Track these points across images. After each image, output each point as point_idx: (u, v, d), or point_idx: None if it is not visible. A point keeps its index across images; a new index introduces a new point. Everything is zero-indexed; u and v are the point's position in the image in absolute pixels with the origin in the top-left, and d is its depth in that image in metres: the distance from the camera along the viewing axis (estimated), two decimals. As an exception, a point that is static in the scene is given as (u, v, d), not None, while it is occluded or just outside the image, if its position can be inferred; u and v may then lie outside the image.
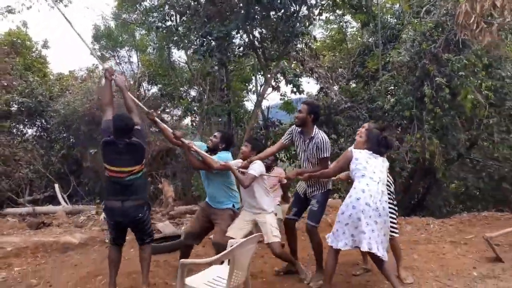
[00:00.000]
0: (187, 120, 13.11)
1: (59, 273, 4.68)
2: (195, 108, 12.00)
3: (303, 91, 11.91)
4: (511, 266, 4.12)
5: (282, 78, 12.05)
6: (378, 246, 3.26)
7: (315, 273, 4.00)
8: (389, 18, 11.38)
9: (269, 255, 4.58)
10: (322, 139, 3.77)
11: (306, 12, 8.09)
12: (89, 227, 6.37)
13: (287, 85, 11.97)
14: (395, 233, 3.89)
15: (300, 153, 3.96)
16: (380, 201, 3.34)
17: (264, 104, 11.20)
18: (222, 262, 3.44)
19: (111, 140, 3.49)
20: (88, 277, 4.50)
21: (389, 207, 3.59)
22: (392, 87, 9.52)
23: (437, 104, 6.83)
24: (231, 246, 3.14)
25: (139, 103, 4.24)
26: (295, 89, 11.80)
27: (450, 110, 6.90)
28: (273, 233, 3.84)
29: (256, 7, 7.17)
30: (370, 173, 3.41)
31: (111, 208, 3.58)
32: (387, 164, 3.65)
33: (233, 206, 4.05)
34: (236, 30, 7.41)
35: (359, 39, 12.56)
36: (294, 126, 3.99)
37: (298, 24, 7.66)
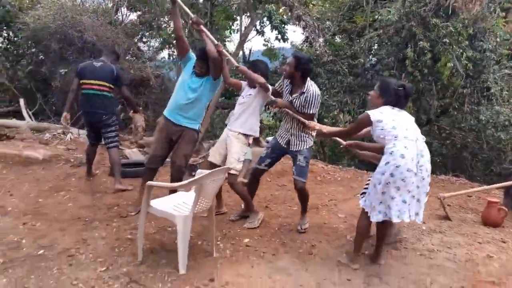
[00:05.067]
0: (165, 53, 12.67)
1: (20, 184, 4.64)
2: (174, 42, 11.57)
3: (287, 39, 11.72)
4: (458, 224, 4.42)
5: (268, 23, 11.77)
6: (417, 212, 2.98)
7: (301, 216, 3.96)
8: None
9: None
10: (313, 93, 3.59)
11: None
12: (54, 145, 6.25)
13: (272, 31, 11.75)
14: None
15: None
16: (423, 164, 2.88)
17: (247, 46, 10.94)
18: (189, 189, 3.50)
19: None
20: (50, 191, 4.51)
21: None
22: (376, 47, 9.50)
23: (417, 68, 6.89)
24: (200, 175, 3.16)
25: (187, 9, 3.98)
26: (279, 36, 11.60)
27: (428, 76, 7.00)
28: (231, 164, 3.74)
29: None
30: (403, 132, 2.89)
31: None
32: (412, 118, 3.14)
33: (199, 128, 4.05)
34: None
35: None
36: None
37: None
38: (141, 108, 8.53)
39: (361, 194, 3.67)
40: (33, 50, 10.28)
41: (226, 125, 5.49)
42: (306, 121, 3.62)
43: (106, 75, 4.66)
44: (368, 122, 3.03)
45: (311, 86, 3.63)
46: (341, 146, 3.69)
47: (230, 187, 3.92)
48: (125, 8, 13.52)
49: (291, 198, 4.98)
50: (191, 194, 3.37)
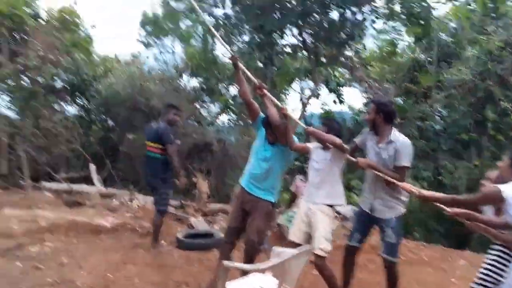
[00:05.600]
0: (224, 118, 12.95)
1: (89, 255, 4.58)
2: (231, 106, 11.93)
3: (343, 101, 11.59)
4: None
5: (323, 86, 11.75)
6: None
7: None
8: (443, 36, 10.85)
9: (310, 268, 4.26)
10: (403, 142, 3.24)
11: (361, 16, 7.61)
12: (122, 213, 6.27)
13: (329, 94, 11.70)
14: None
15: (373, 158, 3.38)
16: None
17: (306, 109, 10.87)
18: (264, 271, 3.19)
19: None
20: (118, 264, 4.38)
21: None
22: (442, 109, 9.03)
23: (500, 131, 6.35)
24: (278, 254, 2.88)
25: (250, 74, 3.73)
26: (336, 99, 11.53)
27: (514, 139, 6.42)
28: (320, 245, 3.27)
29: (314, 4, 6.67)
30: None
31: None
32: None
33: (274, 202, 3.72)
34: (289, 26, 6.91)
35: (410, 54, 12.06)
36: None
37: (355, 27, 7.17)
38: (203, 173, 8.57)
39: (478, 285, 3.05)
40: (104, 116, 10.92)
41: (290, 191, 5.15)
42: (397, 182, 3.13)
43: (153, 135, 4.75)
44: (499, 199, 2.46)
45: (400, 135, 3.29)
46: (446, 214, 3.15)
47: (318, 272, 3.39)
48: (188, 75, 14.34)
49: (368, 282, 4.36)
50: (268, 277, 3.06)
